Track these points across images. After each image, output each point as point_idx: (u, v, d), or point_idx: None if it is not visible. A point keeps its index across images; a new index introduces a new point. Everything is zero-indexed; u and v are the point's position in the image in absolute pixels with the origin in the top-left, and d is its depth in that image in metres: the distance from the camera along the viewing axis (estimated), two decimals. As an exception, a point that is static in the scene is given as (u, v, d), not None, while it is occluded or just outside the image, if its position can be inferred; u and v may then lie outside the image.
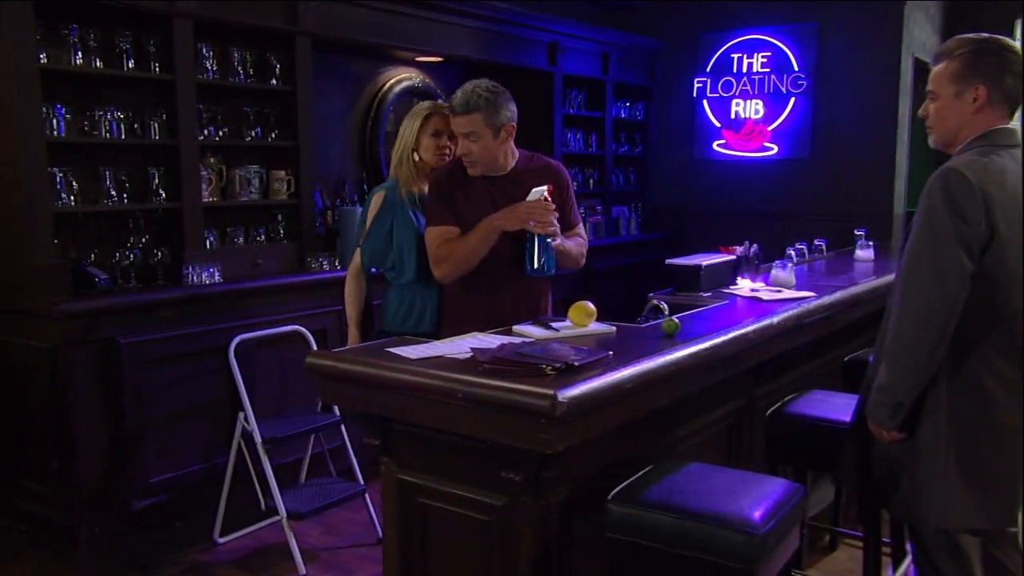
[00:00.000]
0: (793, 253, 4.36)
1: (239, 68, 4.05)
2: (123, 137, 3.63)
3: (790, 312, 3.00)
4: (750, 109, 6.22)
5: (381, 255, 2.97)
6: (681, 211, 6.65)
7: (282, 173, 4.19)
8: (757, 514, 1.98)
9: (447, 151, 2.99)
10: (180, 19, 3.64)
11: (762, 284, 3.58)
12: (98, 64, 3.54)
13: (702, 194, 6.54)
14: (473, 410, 2.04)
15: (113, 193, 3.62)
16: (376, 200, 2.98)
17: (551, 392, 1.90)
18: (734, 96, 6.29)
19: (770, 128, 6.15)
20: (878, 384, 2.27)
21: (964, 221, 2.14)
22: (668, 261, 3.57)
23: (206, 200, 3.88)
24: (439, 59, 5.19)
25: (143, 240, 3.72)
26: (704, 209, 6.53)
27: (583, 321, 2.63)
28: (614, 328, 2.67)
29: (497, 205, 2.73)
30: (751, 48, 6.19)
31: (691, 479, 2.18)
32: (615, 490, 2.15)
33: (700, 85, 6.43)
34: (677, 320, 2.60)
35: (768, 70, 6.13)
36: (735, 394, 3.02)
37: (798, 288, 3.53)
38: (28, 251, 3.27)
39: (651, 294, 3.47)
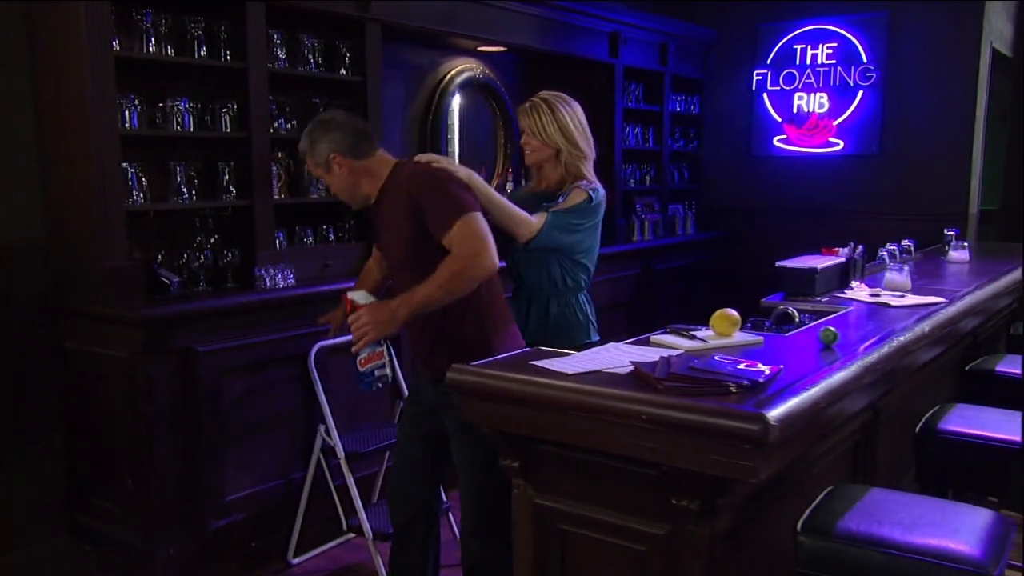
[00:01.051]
0: (886, 255, 4.13)
1: (309, 57, 3.81)
2: (192, 130, 3.40)
3: (936, 320, 2.78)
4: (814, 103, 5.98)
5: None
6: (738, 210, 6.41)
7: (351, 169, 3.95)
8: (979, 551, 1.76)
9: (526, 150, 2.89)
10: (253, 2, 3.40)
11: (879, 288, 3.35)
12: (169, 52, 3.30)
13: (761, 192, 6.30)
14: (658, 433, 1.81)
15: (184, 190, 3.39)
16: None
17: (761, 414, 1.67)
18: (796, 89, 6.05)
19: (836, 123, 5.92)
20: None
21: None
22: (779, 264, 3.34)
23: (276, 198, 3.65)
24: (501, 48, 4.95)
25: (212, 240, 3.48)
26: (763, 207, 6.30)
27: (728, 331, 2.42)
28: (761, 338, 2.45)
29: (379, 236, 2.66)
30: (815, 39, 5.95)
31: (882, 507, 1.96)
32: (801, 520, 1.93)
33: (760, 78, 6.20)
34: (835, 330, 2.37)
35: (834, 62, 5.89)
36: (863, 408, 2.81)
37: (913, 293, 3.30)
38: (101, 253, 3.04)
39: (766, 299, 3.24)
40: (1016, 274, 3.87)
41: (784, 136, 6.13)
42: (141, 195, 3.26)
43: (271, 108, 3.62)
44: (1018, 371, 3.26)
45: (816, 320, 2.78)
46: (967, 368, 3.30)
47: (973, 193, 5.64)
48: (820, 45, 5.93)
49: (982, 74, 5.49)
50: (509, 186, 5.07)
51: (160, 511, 3.08)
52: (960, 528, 1.83)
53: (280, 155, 3.73)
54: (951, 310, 2.96)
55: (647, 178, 6.08)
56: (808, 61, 5.99)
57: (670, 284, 5.86)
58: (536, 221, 2.68)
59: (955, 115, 5.54)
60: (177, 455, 3.11)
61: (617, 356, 2.22)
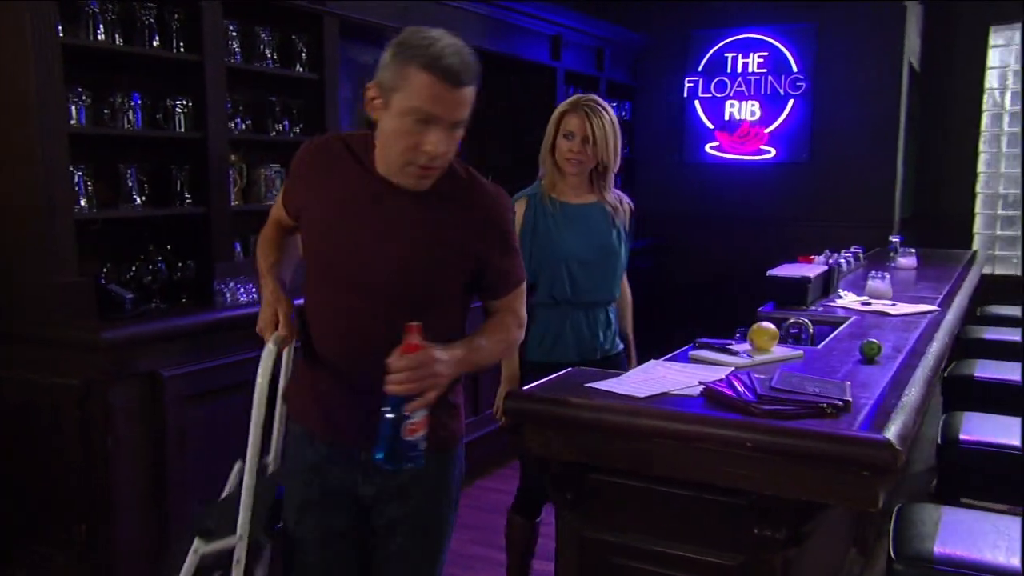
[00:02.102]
0: (844, 263, 4.18)
1: (265, 51, 3.51)
2: (144, 128, 3.05)
3: (945, 327, 2.78)
4: (746, 111, 6.07)
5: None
6: (670, 217, 6.43)
7: (309, 173, 3.66)
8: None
9: (578, 157, 2.60)
10: (209, -10, 3.09)
11: (865, 296, 3.36)
12: (118, 40, 2.95)
13: (694, 199, 6.33)
14: (760, 461, 1.69)
15: (135, 196, 3.03)
16: (519, 208, 2.58)
17: (888, 440, 1.58)
18: (728, 97, 6.11)
19: (767, 130, 6.02)
20: None
21: None
22: (770, 273, 3.29)
23: (232, 204, 3.33)
24: (450, 49, 4.75)
25: (164, 252, 3.14)
26: (696, 215, 6.33)
27: (768, 345, 2.34)
28: (802, 352, 2.38)
29: (379, 220, 1.70)
30: (747, 47, 6.03)
31: (967, 528, 1.91)
32: (891, 547, 1.85)
33: (691, 85, 6.23)
34: (878, 342, 2.32)
35: (765, 70, 5.99)
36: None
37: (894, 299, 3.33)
38: (47, 267, 2.67)
39: (762, 308, 3.19)
40: (974, 279, 3.99)
41: (716, 143, 6.19)
42: (88, 202, 2.89)
43: (226, 106, 3.30)
44: (999, 376, 3.33)
45: (836, 332, 2.74)
46: (945, 375, 3.35)
47: (897, 200, 5.84)
48: (751, 54, 6.02)
49: (903, 86, 5.70)
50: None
51: (119, 559, 2.73)
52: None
53: (234, 157, 3.41)
54: (950, 317, 2.99)
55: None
56: (739, 69, 6.06)
57: (611, 291, 5.79)
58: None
59: (881, 125, 5.72)
60: (140, 494, 2.76)
61: (673, 376, 2.09)
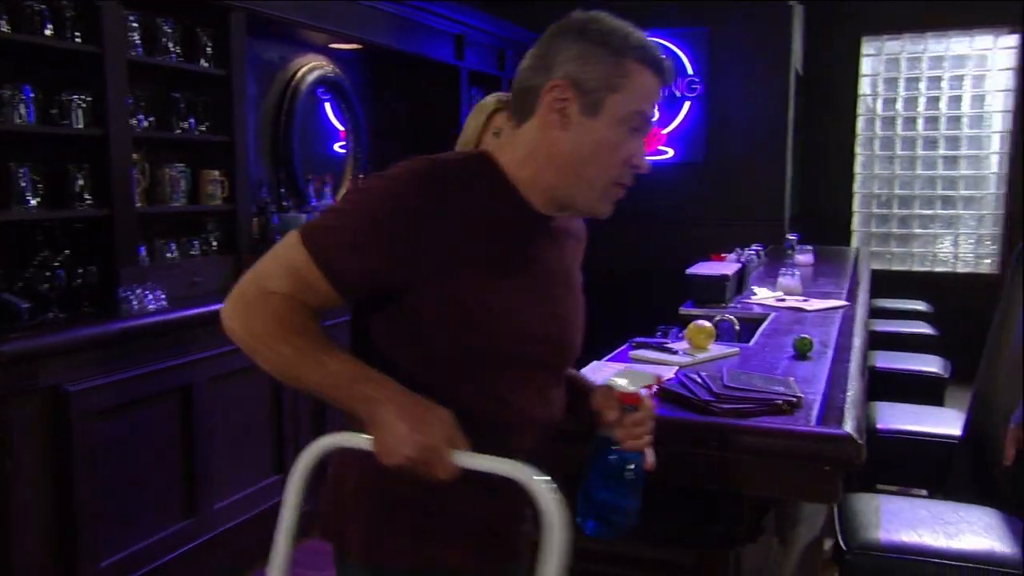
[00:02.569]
0: (752, 260, 4.32)
1: (168, 44, 3.31)
2: (37, 124, 2.82)
3: (860, 323, 2.90)
4: (644, 112, 6.17)
5: None
6: (571, 215, 6.49)
7: (215, 173, 3.49)
8: (1017, 554, 1.82)
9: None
10: (109, -22, 2.89)
11: (779, 292, 3.47)
12: (5, 27, 2.71)
13: (594, 197, 6.40)
14: (723, 460, 1.70)
15: (28, 197, 2.80)
16: None
17: (851, 435, 1.62)
18: (627, 98, 6.21)
19: (665, 131, 6.16)
20: None
21: None
22: (689, 271, 3.36)
23: (137, 206, 3.13)
24: (356, 46, 4.63)
25: (62, 257, 2.92)
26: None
27: (705, 343, 2.37)
28: (737, 349, 2.43)
29: (561, 271, 1.39)
30: (644, 51, 6.15)
31: (908, 515, 1.98)
32: (839, 536, 1.91)
33: (591, 86, 6.30)
34: (811, 338, 2.40)
35: (662, 73, 6.11)
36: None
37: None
38: (-65, 276, 2.43)
39: (683, 306, 3.25)
40: (867, 274, 4.20)
41: (616, 144, 6.27)
42: (-24, 203, 2.66)
43: (127, 102, 3.09)
44: (896, 366, 3.51)
45: (762, 327, 2.81)
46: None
47: (787, 199, 6.10)
48: (649, 57, 6.13)
49: (791, 89, 5.96)
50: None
51: (22, 590, 2.51)
52: (987, 532, 1.89)
53: (137, 156, 3.21)
54: (860, 311, 3.12)
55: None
56: (637, 72, 6.17)
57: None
58: None
59: (771, 126, 5.96)
60: (44, 519, 2.55)
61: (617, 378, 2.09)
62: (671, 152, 6.17)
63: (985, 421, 2.37)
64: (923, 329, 4.32)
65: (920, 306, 5.01)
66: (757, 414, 1.78)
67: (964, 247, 6.79)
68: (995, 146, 6.63)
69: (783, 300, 3.31)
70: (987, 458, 2.35)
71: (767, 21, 5.90)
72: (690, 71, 6.06)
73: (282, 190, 4.24)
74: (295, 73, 4.41)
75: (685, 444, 1.73)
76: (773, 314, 3.06)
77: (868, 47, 6.81)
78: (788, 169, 6.09)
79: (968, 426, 2.45)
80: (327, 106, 4.81)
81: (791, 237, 4.83)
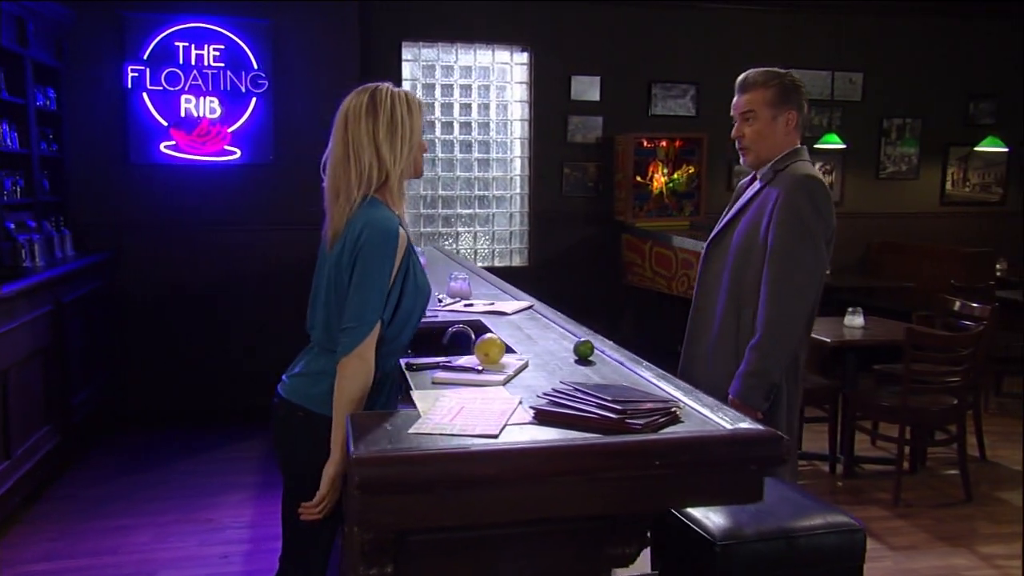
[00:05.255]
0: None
1: None
2: None
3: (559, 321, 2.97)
4: (204, 107, 5.51)
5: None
6: (120, 226, 5.52)
7: None
8: (840, 513, 2.03)
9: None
10: None
11: (458, 299, 3.38)
12: None
13: (148, 205, 5.53)
14: (653, 479, 1.58)
15: None
16: (402, 243, 2.02)
17: (780, 434, 1.63)
18: (183, 91, 5.48)
19: (230, 130, 5.57)
20: (748, 371, 2.50)
21: (825, 221, 2.54)
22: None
23: None
24: None
25: None
26: (152, 223, 5.55)
27: (499, 356, 2.21)
28: (527, 359, 2.31)
29: None
30: (200, 38, 5.47)
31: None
32: (718, 531, 1.90)
33: (136, 75, 5.41)
34: (590, 341, 2.38)
35: (223, 64, 5.52)
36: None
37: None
38: None
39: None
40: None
41: (173, 142, 5.50)
42: None
43: None
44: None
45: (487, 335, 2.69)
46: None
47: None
48: (206, 46, 5.49)
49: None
50: None
51: None
52: (804, 502, 2.08)
53: None
54: (548, 310, 3.19)
55: (18, 189, 4.77)
56: (194, 62, 5.48)
57: (75, 319, 4.75)
58: None
59: (342, 127, 5.79)
60: None
61: (486, 405, 1.80)
62: (238, 152, 5.62)
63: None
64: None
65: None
66: (663, 425, 1.69)
67: (500, 244, 7.49)
68: (517, 151, 7.43)
69: (472, 306, 3.23)
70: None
71: (330, 18, 5.73)
72: (255, 65, 5.59)
73: None
74: None
75: (620, 470, 1.56)
76: (485, 321, 2.96)
77: (407, 52, 7.07)
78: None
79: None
80: None
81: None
